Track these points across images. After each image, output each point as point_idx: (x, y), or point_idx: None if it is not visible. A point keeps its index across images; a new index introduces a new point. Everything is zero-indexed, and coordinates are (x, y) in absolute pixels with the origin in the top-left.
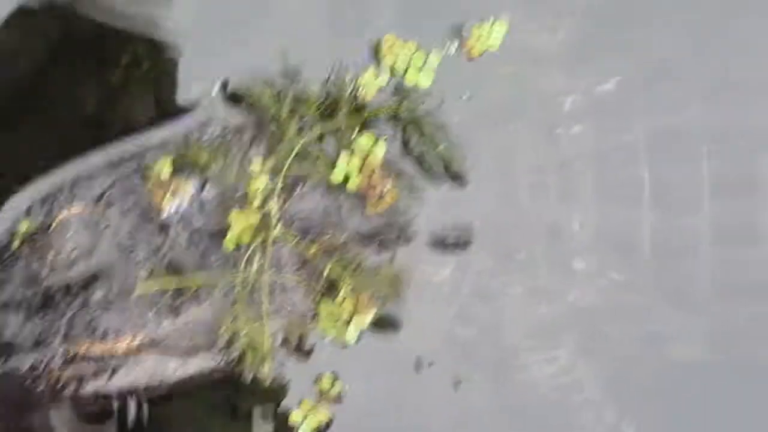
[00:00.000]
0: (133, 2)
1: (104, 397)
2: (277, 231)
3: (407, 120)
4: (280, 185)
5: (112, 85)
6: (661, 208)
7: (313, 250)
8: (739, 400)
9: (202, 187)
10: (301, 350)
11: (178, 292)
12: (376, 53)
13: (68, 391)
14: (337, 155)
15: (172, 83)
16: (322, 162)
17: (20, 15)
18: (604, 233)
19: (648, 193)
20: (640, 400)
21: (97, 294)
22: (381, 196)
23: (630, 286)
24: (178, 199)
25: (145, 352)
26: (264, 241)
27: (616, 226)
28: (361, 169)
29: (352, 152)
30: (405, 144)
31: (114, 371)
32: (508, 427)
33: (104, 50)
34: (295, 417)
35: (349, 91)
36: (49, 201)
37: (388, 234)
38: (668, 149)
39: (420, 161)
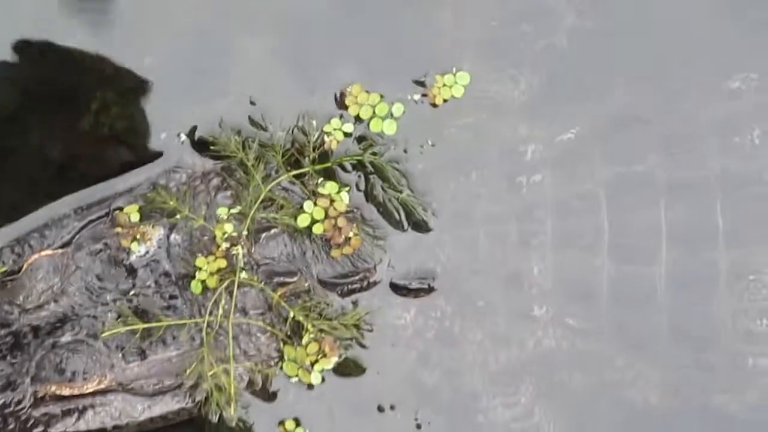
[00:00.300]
0: (102, 50)
1: None
2: (242, 276)
3: (371, 167)
4: (245, 231)
5: (82, 132)
6: (619, 257)
7: (278, 294)
8: None
9: (170, 232)
10: (266, 392)
11: (146, 334)
12: (341, 103)
13: (37, 431)
14: (303, 202)
15: (140, 130)
16: (287, 208)
17: None
18: (563, 281)
19: (607, 241)
20: None
21: (66, 336)
22: (345, 242)
23: (588, 333)
24: (145, 244)
25: (112, 394)
26: (230, 286)
27: (574, 273)
28: (326, 215)
29: (318, 199)
30: (369, 191)
31: (82, 412)
32: None
33: (75, 97)
34: None
35: (314, 138)
36: (20, 244)
37: (352, 279)
38: (626, 198)
39: (383, 208)
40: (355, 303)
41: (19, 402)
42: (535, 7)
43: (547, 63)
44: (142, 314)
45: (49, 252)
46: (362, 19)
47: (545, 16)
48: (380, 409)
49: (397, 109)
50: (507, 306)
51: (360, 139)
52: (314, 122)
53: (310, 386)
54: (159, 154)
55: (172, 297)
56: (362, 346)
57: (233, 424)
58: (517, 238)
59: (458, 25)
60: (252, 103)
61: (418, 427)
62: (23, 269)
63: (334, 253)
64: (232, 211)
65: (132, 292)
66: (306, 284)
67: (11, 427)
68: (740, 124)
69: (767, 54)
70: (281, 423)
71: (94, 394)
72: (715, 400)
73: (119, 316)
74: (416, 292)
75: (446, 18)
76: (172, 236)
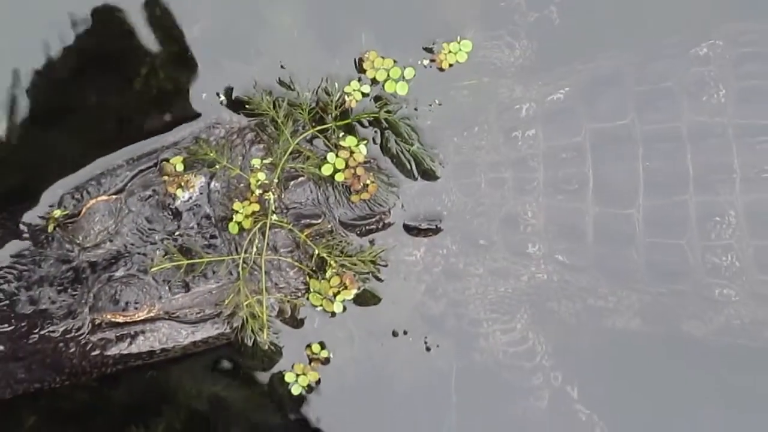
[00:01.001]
0: (152, 19)
1: (125, 359)
2: (273, 218)
3: (386, 124)
4: (276, 179)
5: (134, 92)
6: (602, 201)
7: (304, 234)
8: (664, 364)
9: (210, 180)
10: (294, 320)
11: (189, 269)
12: (359, 67)
13: (95, 353)
14: (326, 154)
15: (184, 91)
16: (313, 159)
17: (59, 33)
18: (553, 222)
19: (591, 187)
20: (583, 365)
21: (120, 271)
22: (363, 188)
23: (575, 267)
24: (189, 191)
25: (160, 321)
26: (262, 227)
27: (563, 216)
28: (346, 165)
29: (339, 147)
30: (384, 144)
31: (134, 337)
32: (469, 387)
33: (127, 61)
34: (289, 377)
35: (336, 98)
36: (79, 191)
37: (369, 221)
38: (609, 150)
39: (396, 159)
40: (371, 242)
41: (78, 328)
42: None
43: (539, 32)
44: (186, 252)
45: (104, 197)
46: (385, 13)
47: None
48: (394, 334)
49: (409, 72)
50: (505, 244)
51: (376, 99)
52: (336, 84)
53: (333, 314)
54: (200, 113)
55: (212, 237)
56: (378, 279)
57: (266, 347)
58: (513, 185)
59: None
60: (282, 67)
61: (428, 349)
62: (82, 213)
63: (354, 198)
64: (265, 162)
65: (177, 233)
66: (329, 225)
67: (72, 350)
68: (707, 85)
69: (732, 24)
70: (308, 346)
71: (144, 321)
72: (684, 325)
73: (166, 254)
74: (425, 232)
75: None
76: (212, 184)
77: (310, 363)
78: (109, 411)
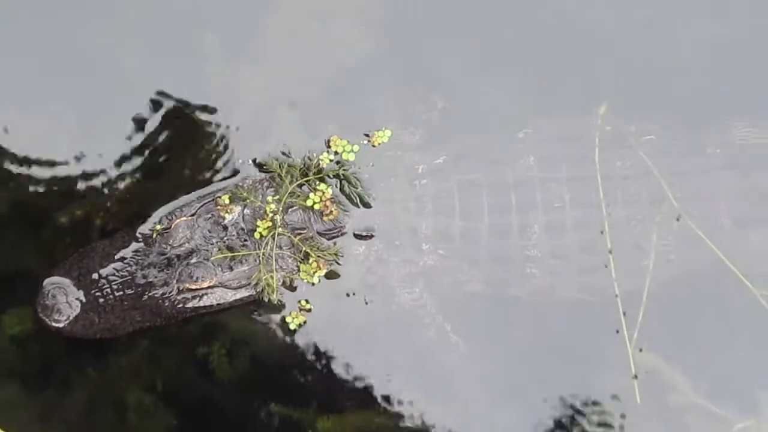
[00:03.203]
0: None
1: (196, 310)
2: (279, 230)
3: (342, 176)
4: (281, 208)
5: (200, 160)
6: (464, 219)
7: (297, 239)
8: (502, 316)
9: (244, 208)
10: (292, 287)
11: (232, 258)
12: (328, 144)
13: (179, 305)
14: (309, 193)
15: (229, 159)
16: (301, 197)
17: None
18: (436, 231)
19: (458, 212)
20: (457, 316)
21: (193, 259)
22: (330, 213)
23: (450, 257)
24: (232, 215)
25: (216, 288)
26: (273, 234)
27: (442, 228)
28: (320, 200)
29: (316, 191)
30: (342, 188)
31: (201, 297)
32: (391, 326)
33: (198, 144)
34: (288, 319)
35: (314, 162)
36: (170, 215)
37: (333, 231)
38: (467, 191)
39: (348, 197)
40: (335, 243)
41: (170, 292)
42: (422, 99)
43: (428, 124)
44: (230, 249)
45: (185, 218)
46: (338, 104)
47: (427, 103)
48: (347, 294)
49: (355, 148)
50: (410, 244)
51: (337, 163)
52: (314, 154)
53: (313, 284)
54: (239, 171)
55: (245, 240)
56: (338, 264)
57: (275, 303)
58: (415, 211)
59: (388, 107)
60: (284, 145)
61: (366, 303)
62: (172, 227)
63: (325, 218)
64: (274, 198)
65: (225, 238)
66: (311, 234)
67: (166, 304)
68: (523, 155)
69: (542, 119)
70: (299, 301)
71: (207, 288)
72: (510, 290)
73: (219, 249)
74: (365, 238)
75: (380, 102)
76: (245, 210)
77: (300, 311)
78: (187, 338)
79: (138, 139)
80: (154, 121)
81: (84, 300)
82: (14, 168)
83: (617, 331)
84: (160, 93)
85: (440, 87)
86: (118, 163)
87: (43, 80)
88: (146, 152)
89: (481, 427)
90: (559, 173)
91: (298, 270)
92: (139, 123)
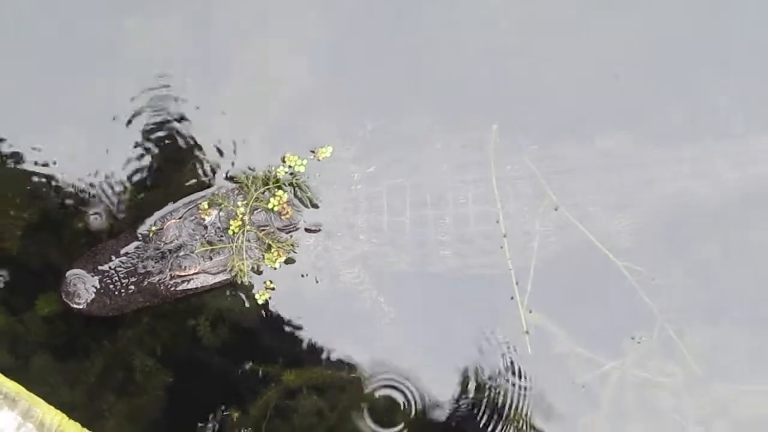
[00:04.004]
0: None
1: (185, 291)
2: (247, 227)
3: (296, 184)
4: (248, 210)
5: (186, 174)
6: (391, 214)
7: (261, 233)
8: (423, 289)
9: (220, 211)
10: (259, 272)
11: (212, 251)
12: (283, 160)
13: (172, 288)
14: (270, 198)
15: (209, 173)
16: (264, 201)
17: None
18: (370, 225)
19: (386, 209)
20: (388, 290)
21: (182, 252)
22: (286, 213)
23: (381, 244)
24: (210, 217)
25: (200, 274)
26: (243, 231)
27: (374, 222)
28: (278, 203)
29: (275, 196)
30: (295, 193)
31: (188, 281)
32: (338, 299)
33: (186, 166)
34: (257, 296)
35: (273, 174)
36: (163, 218)
37: (290, 227)
38: (394, 193)
39: (300, 200)
40: (291, 236)
41: (164, 278)
42: (356, 122)
43: (361, 141)
44: (209, 243)
45: (174, 221)
46: (291, 129)
47: (360, 125)
48: (302, 275)
49: (305, 161)
50: (348, 235)
51: (291, 174)
52: (273, 168)
53: (275, 269)
54: (214, 183)
55: (221, 236)
56: (294, 252)
57: (246, 284)
58: (352, 209)
59: (329, 129)
60: (250, 160)
61: (316, 282)
62: (164, 228)
63: (282, 217)
64: (243, 203)
65: (206, 235)
66: (272, 230)
67: (162, 288)
68: (434, 163)
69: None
70: (265, 282)
71: (193, 274)
72: (429, 268)
73: (201, 244)
74: (314, 231)
75: (323, 126)
76: (221, 213)
77: (265, 290)
78: (179, 314)
79: (136, 161)
80: (148, 147)
81: (98, 286)
82: (42, 184)
83: (512, 298)
84: (155, 124)
85: (370, 112)
86: (121, 180)
87: (61, 112)
88: (143, 171)
89: (405, 377)
90: (465, 176)
91: (263, 258)
92: (137, 148)
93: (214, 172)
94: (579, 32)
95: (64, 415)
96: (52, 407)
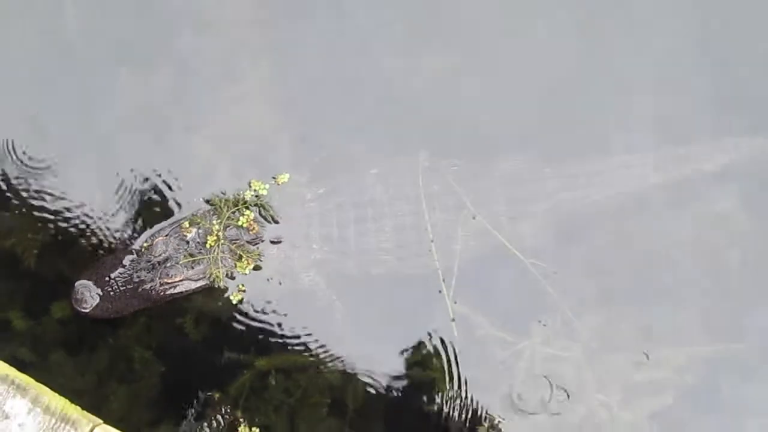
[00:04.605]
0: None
1: (173, 295)
2: (222, 240)
3: (260, 204)
4: (222, 227)
5: (169, 200)
6: (338, 227)
7: (233, 246)
8: (368, 288)
9: (199, 228)
10: (232, 277)
11: (193, 261)
12: (249, 185)
13: (162, 293)
14: (239, 217)
15: (190, 201)
16: (234, 219)
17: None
18: (322, 234)
19: (335, 223)
20: (339, 290)
21: (169, 263)
22: (253, 228)
23: (331, 252)
24: (191, 233)
25: (183, 281)
26: (218, 245)
27: (325, 234)
28: (247, 221)
29: (243, 215)
30: (259, 212)
31: (175, 287)
32: (296, 298)
33: (169, 192)
34: (231, 297)
35: (241, 197)
36: (153, 235)
37: (256, 240)
38: (342, 209)
39: (264, 218)
40: (258, 247)
41: (155, 285)
42: (309, 152)
43: (312, 168)
44: (191, 255)
45: (162, 238)
46: (254, 159)
47: (312, 154)
48: (268, 279)
49: (267, 186)
50: (305, 244)
51: (256, 196)
52: (242, 191)
53: (245, 274)
54: (193, 207)
55: (200, 249)
56: (261, 260)
57: (222, 287)
58: (307, 224)
59: (287, 158)
60: (222, 186)
61: (279, 283)
62: (154, 243)
63: (250, 232)
64: (217, 221)
65: (188, 249)
66: (242, 243)
67: (153, 293)
68: (374, 183)
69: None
70: (238, 286)
71: (178, 281)
72: (372, 270)
73: (184, 256)
74: (276, 243)
75: (281, 156)
76: (200, 230)
77: (238, 292)
78: (169, 314)
79: (129, 191)
80: (137, 178)
81: (101, 294)
82: (53, 211)
83: (440, 292)
84: (143, 159)
85: (320, 144)
86: (118, 208)
87: (68, 153)
88: (134, 199)
89: (355, 359)
90: (399, 194)
91: (236, 266)
92: (129, 179)
93: (193, 197)
94: (488, 71)
95: (67, 401)
96: (56, 394)
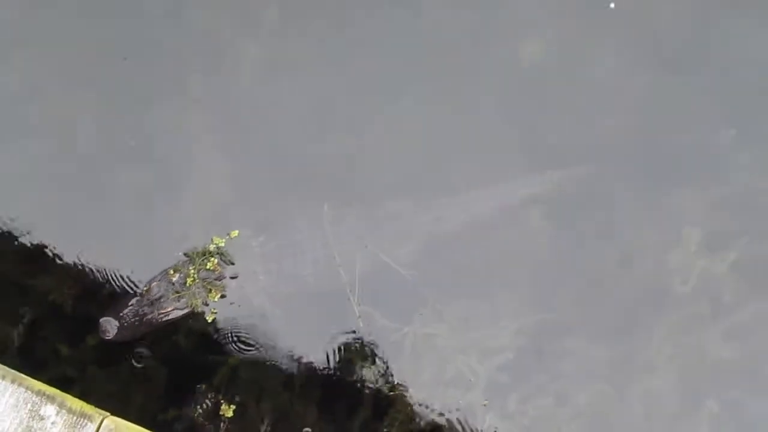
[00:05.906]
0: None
1: (166, 322)
2: (197, 280)
3: (220, 252)
4: (196, 271)
5: (158, 255)
6: (276, 262)
7: (205, 283)
8: (303, 302)
9: (180, 274)
10: (207, 305)
11: (179, 296)
12: (212, 240)
13: (160, 321)
14: (207, 263)
15: (171, 255)
16: (204, 265)
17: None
18: (265, 269)
19: (273, 259)
20: (282, 306)
21: (162, 300)
22: (217, 269)
23: (271, 280)
24: (175, 278)
25: (172, 310)
26: (195, 283)
27: (267, 268)
28: (213, 264)
29: (210, 261)
30: (221, 259)
31: (168, 315)
32: (253, 316)
33: (156, 249)
34: (207, 317)
35: (207, 248)
36: (149, 282)
37: (221, 277)
38: (276, 250)
39: (224, 261)
40: (222, 281)
41: (155, 315)
42: (252, 214)
43: (254, 224)
44: (177, 292)
45: (155, 282)
46: (216, 223)
47: (252, 215)
48: (231, 303)
49: (224, 239)
50: (253, 277)
51: (217, 246)
52: (208, 244)
53: (215, 301)
54: (173, 261)
55: (183, 287)
56: (225, 291)
57: (201, 311)
58: (254, 262)
59: (237, 219)
60: (194, 244)
61: (239, 306)
62: (150, 287)
63: (216, 272)
64: (192, 267)
65: (174, 288)
66: (211, 280)
67: (154, 321)
68: (298, 231)
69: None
70: (211, 309)
71: (170, 311)
72: (304, 290)
73: (172, 293)
74: (234, 278)
75: (234, 218)
76: (181, 274)
77: (211, 313)
78: (166, 333)
79: (130, 255)
80: (136, 245)
81: (118, 325)
82: (81, 272)
83: (348, 299)
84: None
85: (258, 206)
86: (126, 269)
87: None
88: (134, 259)
89: (296, 351)
90: (314, 234)
91: (208, 296)
92: (130, 247)
93: (174, 253)
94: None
95: (84, 403)
96: (76, 399)
